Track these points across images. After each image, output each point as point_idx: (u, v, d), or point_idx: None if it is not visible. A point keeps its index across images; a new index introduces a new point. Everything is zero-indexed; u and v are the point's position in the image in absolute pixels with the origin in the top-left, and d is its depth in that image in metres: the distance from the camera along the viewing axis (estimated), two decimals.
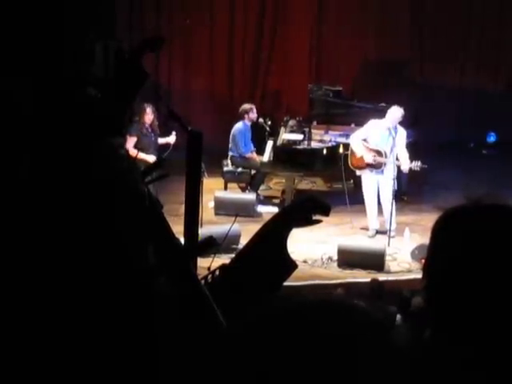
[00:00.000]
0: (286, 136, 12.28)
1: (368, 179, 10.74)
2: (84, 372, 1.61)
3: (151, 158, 10.36)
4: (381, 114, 10.94)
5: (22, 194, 1.64)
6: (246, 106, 12.43)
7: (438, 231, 1.63)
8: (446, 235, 1.61)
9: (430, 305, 1.62)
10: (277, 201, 12.18)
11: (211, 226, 9.83)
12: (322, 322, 1.21)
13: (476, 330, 1.52)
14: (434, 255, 1.62)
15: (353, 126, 12.26)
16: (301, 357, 1.16)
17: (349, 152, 11.01)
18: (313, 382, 1.15)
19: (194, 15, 15.64)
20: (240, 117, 12.28)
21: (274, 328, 1.21)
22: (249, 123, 12.25)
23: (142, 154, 9.78)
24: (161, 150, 11.13)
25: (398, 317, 6.99)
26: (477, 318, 1.52)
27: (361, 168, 10.80)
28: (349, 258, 9.65)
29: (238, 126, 12.15)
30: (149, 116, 10.91)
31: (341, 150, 11.70)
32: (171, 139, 11.22)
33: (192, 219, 4.13)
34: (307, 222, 2.28)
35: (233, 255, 2.37)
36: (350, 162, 10.96)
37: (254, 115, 12.31)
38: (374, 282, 8.37)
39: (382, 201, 10.64)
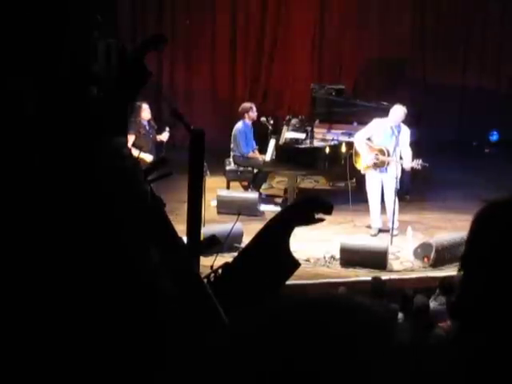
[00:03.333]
0: (288, 135, 12.28)
1: (372, 178, 10.74)
2: (86, 372, 1.61)
3: (148, 157, 10.38)
4: (383, 112, 10.94)
5: (34, 193, 1.64)
6: (246, 104, 12.44)
7: (479, 223, 1.60)
8: (487, 227, 1.59)
9: (465, 299, 1.59)
10: (279, 199, 12.18)
11: (214, 224, 9.83)
12: (324, 321, 1.20)
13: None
14: (474, 246, 1.59)
15: (355, 124, 12.27)
16: (303, 356, 1.17)
17: (353, 151, 11.03)
18: (314, 382, 1.15)
19: (196, 15, 15.64)
20: (240, 116, 12.30)
21: (278, 327, 1.21)
22: (249, 122, 12.26)
23: (137, 152, 9.79)
24: (156, 147, 11.19)
25: (400, 315, 7.00)
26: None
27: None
28: (351, 257, 9.65)
29: (238, 126, 12.16)
30: (146, 112, 10.93)
31: (343, 148, 11.72)
32: (164, 137, 11.27)
33: (194, 218, 4.13)
34: (309, 220, 2.28)
35: (235, 254, 2.37)
36: (353, 161, 10.98)
37: (254, 114, 12.31)
38: (377, 280, 8.37)
39: (385, 200, 10.65)
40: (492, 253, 1.54)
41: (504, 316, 1.50)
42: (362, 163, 10.76)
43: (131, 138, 10.48)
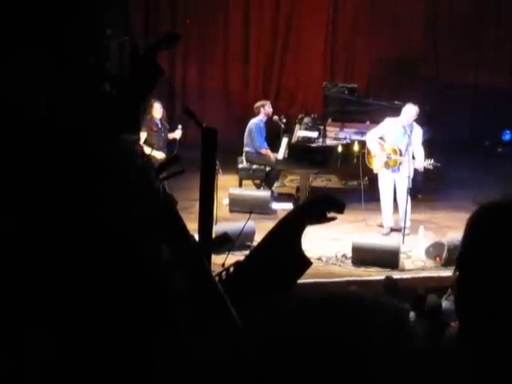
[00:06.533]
0: (300, 133, 12.28)
1: (384, 177, 10.73)
2: (93, 371, 1.61)
3: (159, 155, 10.41)
4: (395, 111, 10.93)
5: (44, 192, 1.64)
6: (261, 101, 12.54)
7: (473, 225, 1.61)
8: (481, 229, 1.60)
9: (460, 299, 1.60)
10: (291, 198, 12.18)
11: (226, 223, 9.84)
12: (330, 319, 1.20)
13: (505, 328, 1.49)
14: (468, 248, 1.60)
15: (368, 123, 12.26)
16: (309, 356, 1.17)
17: (365, 150, 11.02)
18: (325, 380, 1.16)
19: (209, 14, 15.65)
20: (255, 113, 12.33)
21: (288, 326, 1.21)
22: (264, 119, 12.28)
23: (149, 150, 9.82)
24: (168, 145, 11.23)
25: (412, 314, 6.99)
26: (508, 316, 1.49)
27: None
28: (363, 256, 9.64)
29: (255, 120, 12.20)
30: (158, 111, 10.98)
31: (356, 147, 11.70)
32: (177, 134, 11.31)
33: (207, 216, 4.13)
34: (321, 219, 2.28)
35: (247, 252, 2.37)
36: (366, 161, 10.97)
37: (269, 109, 12.38)
38: (389, 279, 8.36)
39: (397, 199, 10.63)
40: (486, 254, 1.55)
41: (501, 316, 1.50)
42: (376, 163, 10.75)
43: (143, 135, 10.55)
